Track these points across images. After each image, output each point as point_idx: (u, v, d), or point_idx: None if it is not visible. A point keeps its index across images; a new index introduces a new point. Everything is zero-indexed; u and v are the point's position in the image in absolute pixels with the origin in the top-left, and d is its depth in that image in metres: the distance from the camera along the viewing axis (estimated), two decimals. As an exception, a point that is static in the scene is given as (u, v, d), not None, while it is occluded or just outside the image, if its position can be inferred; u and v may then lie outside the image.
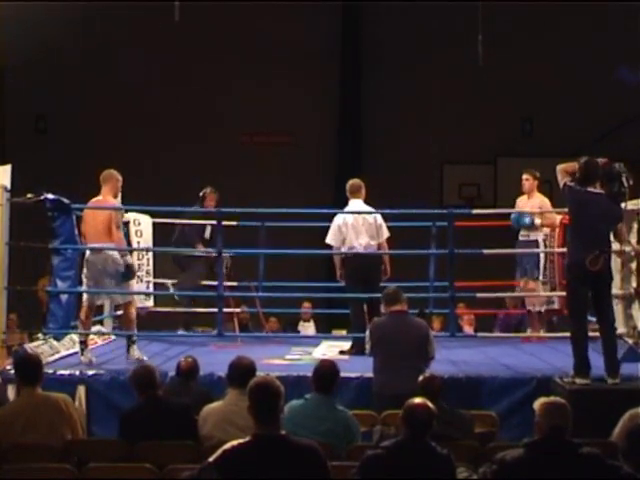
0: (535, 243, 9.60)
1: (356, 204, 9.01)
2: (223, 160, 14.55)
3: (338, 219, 8.91)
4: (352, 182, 9.15)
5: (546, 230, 9.63)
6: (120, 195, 8.56)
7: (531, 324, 9.88)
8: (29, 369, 5.90)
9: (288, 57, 14.66)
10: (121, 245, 8.41)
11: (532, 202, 9.63)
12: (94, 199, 8.39)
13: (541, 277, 9.60)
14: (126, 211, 9.02)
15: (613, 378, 6.91)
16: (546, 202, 9.57)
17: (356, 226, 8.87)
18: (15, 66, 13.32)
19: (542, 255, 9.57)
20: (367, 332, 7.34)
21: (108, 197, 8.32)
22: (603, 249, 6.94)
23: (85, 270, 8.22)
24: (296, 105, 14.66)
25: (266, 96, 14.55)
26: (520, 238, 9.69)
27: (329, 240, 8.93)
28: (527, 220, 9.52)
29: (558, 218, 9.37)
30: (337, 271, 9.06)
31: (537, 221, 9.52)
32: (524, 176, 9.75)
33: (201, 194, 10.21)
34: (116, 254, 8.21)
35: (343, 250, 8.88)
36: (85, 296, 8.31)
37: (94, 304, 8.43)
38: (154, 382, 5.95)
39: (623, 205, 7.25)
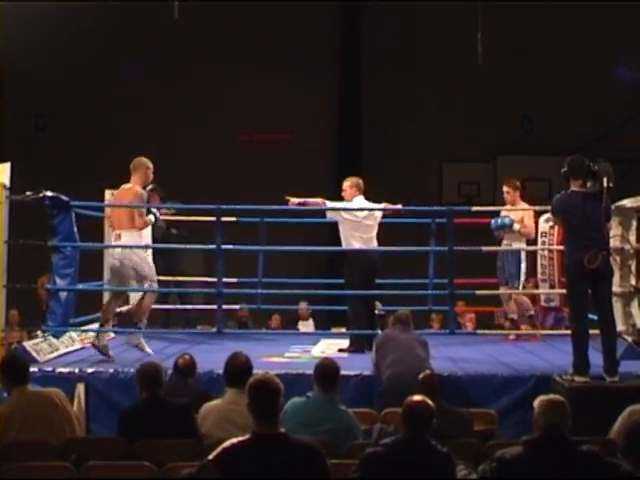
0: (517, 253, 9.55)
1: (360, 201, 8.99)
2: (223, 159, 14.56)
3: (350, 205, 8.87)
4: (357, 179, 9.08)
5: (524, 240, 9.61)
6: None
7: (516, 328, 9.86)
8: (18, 369, 5.91)
9: (288, 56, 14.65)
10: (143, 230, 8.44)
11: (515, 213, 9.53)
12: (123, 187, 8.37)
13: (521, 287, 9.58)
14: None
15: (612, 376, 6.92)
16: (528, 213, 9.51)
17: (365, 223, 8.87)
18: (15, 65, 13.31)
19: (523, 265, 9.54)
20: (373, 347, 7.55)
21: (136, 186, 8.28)
22: (600, 246, 6.95)
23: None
24: (296, 104, 14.65)
25: (266, 95, 14.54)
26: (502, 246, 9.63)
27: (334, 204, 8.89)
28: (507, 220, 9.49)
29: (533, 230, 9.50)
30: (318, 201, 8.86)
31: (516, 226, 9.46)
32: (504, 189, 9.71)
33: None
34: (129, 251, 8.22)
35: (357, 247, 8.81)
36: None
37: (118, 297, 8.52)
38: (159, 381, 5.93)
39: (611, 204, 7.28)
